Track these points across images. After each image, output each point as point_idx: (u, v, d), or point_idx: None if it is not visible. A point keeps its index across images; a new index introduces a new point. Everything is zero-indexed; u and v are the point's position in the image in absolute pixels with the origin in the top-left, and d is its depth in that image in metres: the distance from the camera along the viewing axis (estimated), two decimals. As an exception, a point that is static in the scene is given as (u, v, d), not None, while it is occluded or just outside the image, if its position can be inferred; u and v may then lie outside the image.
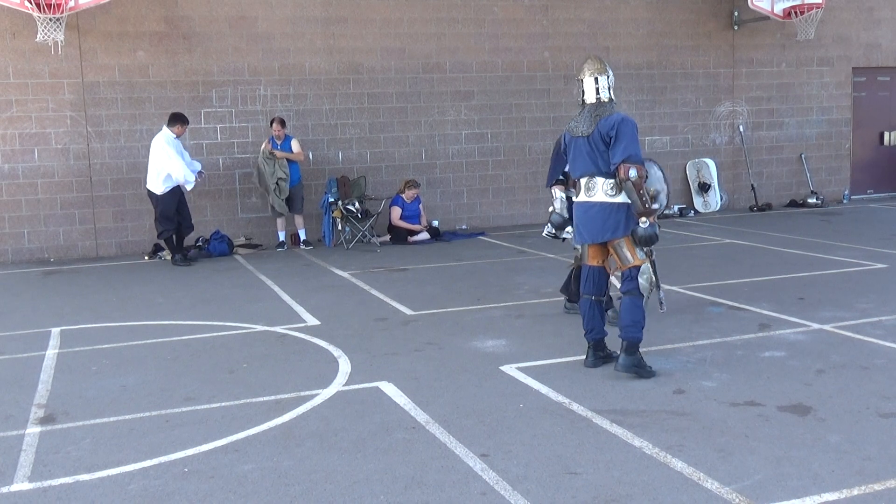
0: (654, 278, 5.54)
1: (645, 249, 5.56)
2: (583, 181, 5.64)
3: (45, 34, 10.62)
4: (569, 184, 6.22)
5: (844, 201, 15.55)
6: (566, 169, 6.18)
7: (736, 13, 14.55)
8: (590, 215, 5.59)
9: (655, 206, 5.69)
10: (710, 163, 14.69)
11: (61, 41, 10.82)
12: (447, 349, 6.43)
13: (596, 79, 5.62)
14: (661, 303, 5.89)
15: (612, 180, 5.48)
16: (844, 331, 6.55)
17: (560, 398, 5.19)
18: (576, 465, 4.18)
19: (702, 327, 6.81)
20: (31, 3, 10.36)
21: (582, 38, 13.70)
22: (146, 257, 11.39)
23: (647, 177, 5.50)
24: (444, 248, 11.68)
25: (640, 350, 5.56)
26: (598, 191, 5.54)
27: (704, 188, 14.58)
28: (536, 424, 4.76)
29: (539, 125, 13.60)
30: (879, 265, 9.17)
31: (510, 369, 5.83)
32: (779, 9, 13.86)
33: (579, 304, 5.88)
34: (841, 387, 5.25)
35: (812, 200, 14.94)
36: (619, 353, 5.53)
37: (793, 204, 15.08)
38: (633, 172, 5.32)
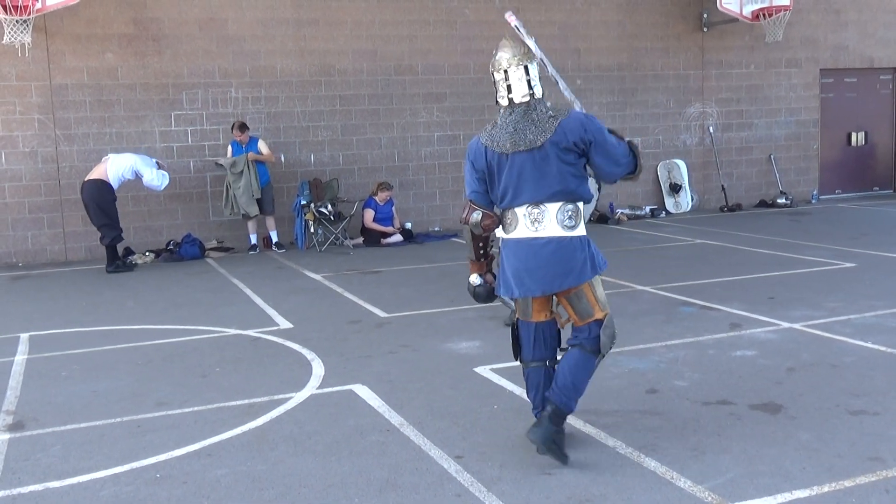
0: (612, 337, 4.35)
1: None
2: (522, 211, 4.18)
3: (12, 36, 10.49)
4: (484, 221, 4.30)
5: (813, 201, 15.72)
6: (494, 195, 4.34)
7: (705, 15, 14.67)
8: (541, 257, 4.15)
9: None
10: (681, 164, 14.80)
11: (28, 43, 10.68)
12: (421, 351, 6.43)
13: (526, 68, 4.20)
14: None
15: (571, 206, 4.16)
16: (814, 329, 6.62)
17: (534, 399, 5.19)
18: (550, 466, 4.19)
19: (674, 327, 6.86)
20: (-3, 4, 10.24)
21: (553, 40, 13.74)
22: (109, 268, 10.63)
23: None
24: (417, 250, 11.67)
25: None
26: (550, 222, 4.14)
27: (675, 189, 14.69)
28: (511, 425, 4.77)
29: (511, 127, 13.64)
30: (848, 264, 9.29)
31: (484, 371, 5.83)
32: (747, 11, 14.00)
33: (526, 374, 4.41)
34: (811, 385, 5.31)
35: (781, 201, 15.09)
36: (544, 416, 4.19)
37: (762, 204, 15.23)
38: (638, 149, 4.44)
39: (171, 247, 11.58)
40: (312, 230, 11.85)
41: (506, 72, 4.20)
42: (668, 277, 8.90)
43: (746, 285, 8.42)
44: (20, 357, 6.63)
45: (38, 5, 10.49)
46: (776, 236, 11.57)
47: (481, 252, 4.45)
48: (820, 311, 7.19)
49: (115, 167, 10.48)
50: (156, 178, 10.68)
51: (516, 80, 4.19)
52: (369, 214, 12.13)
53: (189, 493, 4.05)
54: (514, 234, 4.22)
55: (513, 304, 4.54)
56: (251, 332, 7.15)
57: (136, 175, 10.64)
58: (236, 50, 12.07)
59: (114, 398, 5.52)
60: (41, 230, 11.44)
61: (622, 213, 13.96)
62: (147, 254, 11.36)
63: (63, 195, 11.42)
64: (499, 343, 6.54)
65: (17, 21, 10.44)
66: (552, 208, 4.14)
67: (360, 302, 8.28)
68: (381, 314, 7.73)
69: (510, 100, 4.21)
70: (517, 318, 4.42)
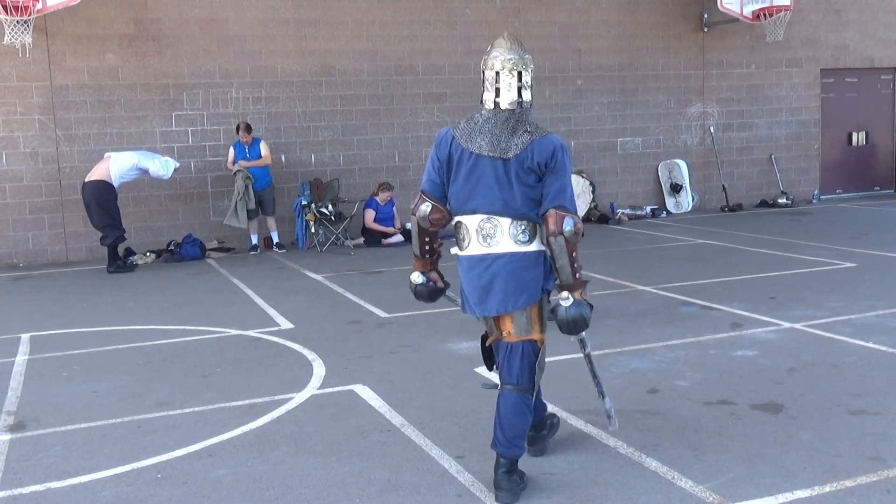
0: (543, 367, 4.00)
1: (575, 338, 4.06)
2: (473, 222, 3.89)
3: (13, 37, 10.49)
4: (433, 214, 4.06)
5: (814, 201, 15.72)
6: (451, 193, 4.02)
7: (706, 15, 14.67)
8: (490, 274, 3.86)
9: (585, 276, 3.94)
10: (682, 164, 14.79)
11: (29, 44, 10.68)
12: (422, 351, 6.42)
13: (519, 74, 3.88)
14: (610, 418, 4.32)
15: (524, 221, 3.85)
16: (815, 329, 6.62)
17: (535, 399, 5.19)
18: (551, 466, 4.19)
19: (675, 327, 6.85)
20: (-3, 5, 10.25)
21: (553, 40, 13.75)
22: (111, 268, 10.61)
23: (583, 234, 3.86)
24: (417, 250, 11.66)
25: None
26: (503, 237, 3.84)
27: (676, 189, 14.68)
28: (511, 426, 4.75)
29: (512, 127, 13.63)
30: (849, 264, 9.28)
31: (485, 371, 5.81)
32: (748, 11, 14.00)
33: (498, 398, 3.97)
34: (812, 385, 5.31)
35: (782, 200, 15.09)
36: (496, 474, 3.89)
37: (763, 204, 15.22)
38: (568, 225, 3.74)
39: (171, 247, 11.58)
40: (313, 230, 11.85)
41: (497, 73, 3.90)
42: (668, 277, 8.90)
43: (747, 285, 8.42)
44: (21, 357, 6.63)
45: (39, 6, 10.49)
46: (777, 236, 11.56)
47: (427, 248, 4.19)
48: (821, 310, 7.19)
49: (116, 166, 10.46)
50: (161, 167, 10.65)
51: (506, 85, 3.89)
52: (370, 215, 12.13)
53: (190, 493, 4.05)
54: (467, 252, 3.96)
55: (459, 300, 4.17)
56: (252, 333, 7.15)
57: (140, 170, 10.62)
58: (237, 50, 12.07)
59: (114, 398, 5.52)
60: (42, 231, 11.44)
61: (623, 213, 13.96)
62: (148, 254, 11.36)
63: (64, 196, 11.42)
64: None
65: (17, 21, 10.44)
66: (504, 223, 3.84)
67: (361, 302, 8.27)
68: (382, 314, 7.73)
69: (496, 103, 3.91)
70: (486, 334, 4.16)
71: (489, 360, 4.23)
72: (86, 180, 10.51)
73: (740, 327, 6.78)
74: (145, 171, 10.67)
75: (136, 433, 4.87)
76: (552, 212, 3.76)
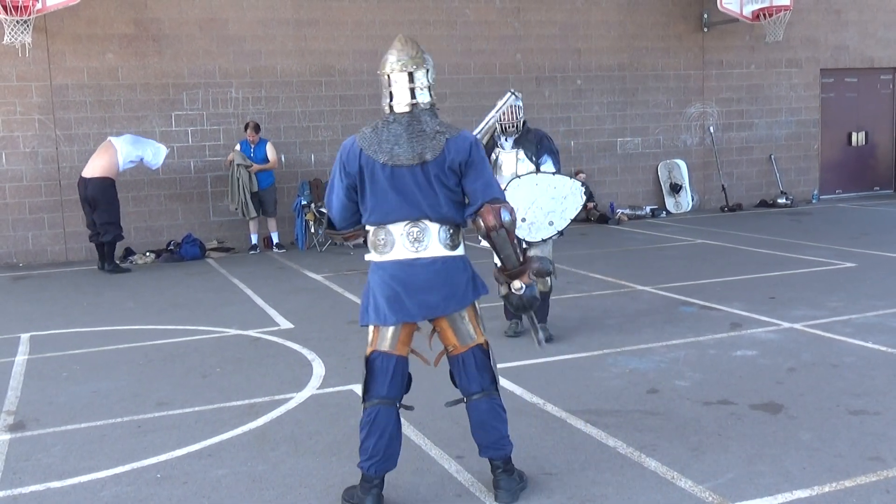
0: (497, 369, 4.01)
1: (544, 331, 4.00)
2: (399, 229, 3.75)
3: (13, 36, 10.49)
4: (349, 234, 4.01)
5: (814, 201, 15.72)
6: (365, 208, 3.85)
7: (706, 15, 14.67)
8: (424, 278, 3.74)
9: (532, 253, 3.90)
10: (682, 164, 14.79)
11: (29, 44, 10.69)
12: (421, 351, 6.40)
13: (411, 74, 3.78)
14: (539, 340, 4.31)
15: (450, 226, 3.79)
16: (815, 329, 6.62)
17: (534, 399, 5.20)
18: (551, 466, 4.19)
19: (674, 327, 6.85)
20: (-3, 5, 10.25)
21: (554, 40, 13.76)
22: (110, 265, 10.58)
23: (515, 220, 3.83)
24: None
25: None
26: (432, 242, 3.75)
27: (676, 189, 14.69)
28: (511, 426, 4.72)
29: (512, 127, 13.64)
30: (848, 264, 9.28)
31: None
32: (748, 11, 14.01)
33: (373, 414, 3.79)
34: (812, 385, 5.31)
35: (782, 200, 15.09)
36: (495, 477, 3.90)
37: (763, 204, 15.23)
38: (506, 215, 3.72)
39: (171, 247, 11.59)
40: (313, 230, 11.84)
41: (388, 76, 3.80)
42: (668, 277, 8.90)
43: (747, 285, 8.42)
44: (21, 357, 6.63)
45: (39, 6, 10.50)
46: (777, 236, 11.56)
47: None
48: (821, 310, 7.19)
49: (122, 154, 10.40)
50: (153, 155, 10.66)
51: (398, 87, 3.79)
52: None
53: (190, 493, 4.05)
54: (391, 256, 3.76)
55: (374, 331, 3.85)
56: (252, 333, 7.15)
57: (139, 158, 10.62)
58: (237, 50, 12.07)
59: (114, 398, 5.52)
60: (42, 230, 11.44)
61: (622, 213, 13.96)
62: (147, 254, 11.36)
63: (63, 195, 11.41)
64: (499, 343, 6.53)
65: (17, 21, 10.44)
66: (433, 228, 3.74)
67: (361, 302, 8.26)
68: (382, 314, 7.71)
69: (391, 107, 3.82)
70: (372, 351, 3.85)
71: (369, 382, 3.84)
72: (87, 176, 10.37)
73: (740, 327, 6.78)
74: (140, 160, 10.65)
75: (136, 433, 4.87)
76: (487, 207, 3.71)
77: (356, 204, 3.84)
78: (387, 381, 3.80)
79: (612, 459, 4.26)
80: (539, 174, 6.36)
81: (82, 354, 6.67)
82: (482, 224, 3.72)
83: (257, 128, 11.49)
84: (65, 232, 11.52)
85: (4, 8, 10.28)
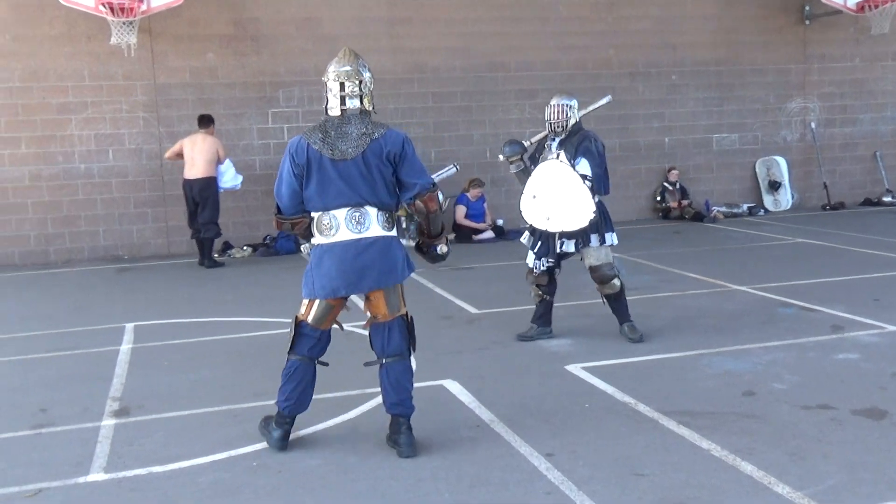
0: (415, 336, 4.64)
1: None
2: (342, 215, 4.37)
3: (119, 37, 10.88)
4: (297, 220, 4.55)
5: (921, 200, 15.08)
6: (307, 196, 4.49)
7: (807, 8, 14.21)
8: (367, 257, 4.37)
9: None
10: (781, 160, 14.38)
11: (134, 44, 11.06)
12: (512, 348, 6.42)
13: (342, 84, 4.38)
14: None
15: (386, 211, 4.47)
16: (922, 333, 6.36)
17: (626, 398, 5.14)
18: (642, 467, 4.14)
19: (772, 328, 6.68)
20: (105, 7, 10.64)
21: (648, 34, 13.53)
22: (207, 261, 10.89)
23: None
24: (508, 246, 11.64)
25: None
26: (373, 224, 4.39)
27: (775, 186, 14.29)
28: (602, 425, 4.73)
29: (604, 123, 13.44)
30: (959, 266, 8.89)
31: (575, 369, 5.79)
32: (852, 2, 13.49)
33: (293, 366, 4.57)
34: (918, 391, 5.10)
35: (887, 199, 14.52)
36: (397, 433, 4.46)
37: (867, 202, 14.68)
38: (441, 198, 4.61)
39: (267, 241, 11.86)
40: (404, 226, 11.92)
41: (326, 84, 4.44)
42: (766, 277, 8.66)
43: (849, 286, 8.14)
44: (125, 346, 6.89)
45: (144, 7, 10.86)
46: (882, 236, 11.13)
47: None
48: (928, 314, 6.91)
49: (224, 162, 10.76)
50: (233, 177, 10.93)
51: (331, 95, 4.41)
52: (461, 211, 12.18)
53: (283, 481, 4.15)
54: (337, 238, 4.41)
55: (318, 304, 4.66)
56: (344, 326, 7.24)
57: (229, 168, 10.92)
58: (332, 48, 12.16)
59: (212, 387, 5.70)
60: (145, 224, 11.86)
61: (718, 210, 13.66)
62: (245, 248, 11.66)
63: (166, 191, 11.80)
64: (591, 341, 6.50)
65: (123, 23, 10.83)
66: (372, 212, 4.40)
67: (452, 298, 8.32)
68: (473, 310, 7.75)
69: (326, 110, 4.43)
70: (302, 321, 4.66)
71: (295, 342, 4.62)
72: (191, 177, 10.62)
73: (842, 330, 6.56)
74: (230, 169, 10.92)
75: (233, 421, 5.01)
76: (429, 195, 4.51)
77: (301, 189, 4.46)
78: (309, 346, 4.60)
79: (705, 462, 4.19)
80: (562, 165, 6.20)
81: (182, 344, 6.90)
82: (424, 208, 4.55)
83: None
84: (167, 226, 11.91)
85: (111, 10, 10.68)
